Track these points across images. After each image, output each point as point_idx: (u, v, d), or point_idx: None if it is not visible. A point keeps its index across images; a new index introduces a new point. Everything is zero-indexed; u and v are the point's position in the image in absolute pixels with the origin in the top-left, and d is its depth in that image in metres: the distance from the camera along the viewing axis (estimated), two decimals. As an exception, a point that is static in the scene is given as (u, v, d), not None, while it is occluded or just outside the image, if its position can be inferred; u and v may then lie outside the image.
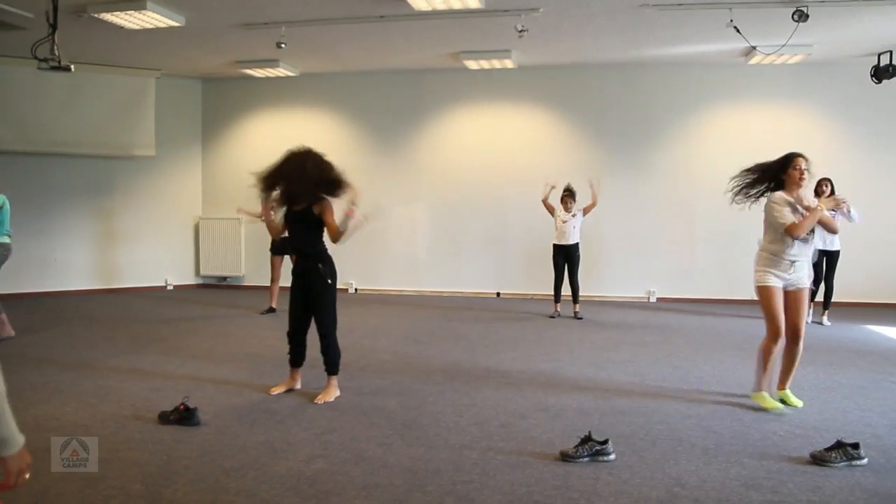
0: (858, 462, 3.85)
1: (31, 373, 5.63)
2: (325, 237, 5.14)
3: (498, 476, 3.73)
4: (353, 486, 3.58)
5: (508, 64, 9.50)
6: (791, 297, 4.90)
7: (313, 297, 5.07)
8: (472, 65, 9.59)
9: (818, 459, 3.90)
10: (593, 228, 9.81)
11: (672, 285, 10.24)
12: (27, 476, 1.73)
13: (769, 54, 8.37)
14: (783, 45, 7.88)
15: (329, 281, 5.07)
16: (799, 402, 4.97)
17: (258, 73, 10.16)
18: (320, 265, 5.05)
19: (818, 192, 7.64)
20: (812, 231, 4.83)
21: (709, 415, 4.83)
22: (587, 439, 3.96)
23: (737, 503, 3.40)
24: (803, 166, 4.84)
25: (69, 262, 10.48)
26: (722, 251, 9.90)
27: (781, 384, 5.05)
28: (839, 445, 3.91)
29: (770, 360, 4.92)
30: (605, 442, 3.97)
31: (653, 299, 10.25)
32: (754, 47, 8.15)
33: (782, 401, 4.97)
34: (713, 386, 5.59)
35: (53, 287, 10.18)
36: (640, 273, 10.32)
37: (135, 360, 6.31)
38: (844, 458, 3.86)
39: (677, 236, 10.20)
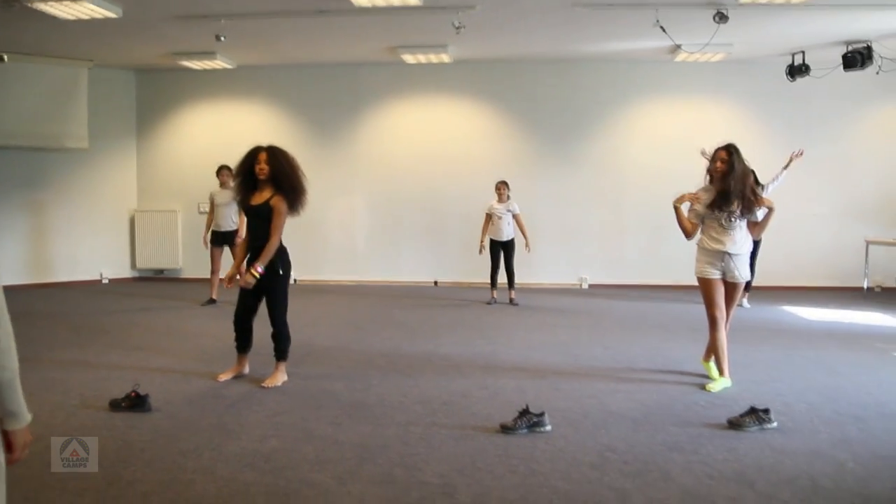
0: (769, 425, 4.24)
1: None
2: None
3: (443, 448, 3.98)
4: (306, 461, 3.78)
5: (445, 58, 9.73)
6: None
7: (266, 286, 5.20)
8: (409, 59, 9.78)
9: (734, 424, 4.28)
10: (527, 217, 10.16)
11: (603, 272, 10.67)
12: (27, 452, 1.86)
13: (693, 52, 8.82)
14: (706, 45, 8.33)
15: (280, 272, 5.22)
16: (715, 375, 5.34)
17: (195, 65, 10.13)
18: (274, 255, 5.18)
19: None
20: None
21: (637, 389, 5.18)
22: (525, 412, 4.24)
23: (662, 464, 3.73)
24: (709, 155, 5.20)
25: (1, 257, 10.27)
26: (650, 239, 10.36)
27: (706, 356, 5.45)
28: (752, 411, 4.30)
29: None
30: (542, 414, 4.26)
31: (585, 286, 10.66)
32: (679, 46, 8.59)
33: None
34: (641, 363, 5.96)
35: (-17, 282, 9.97)
36: (572, 260, 10.71)
37: (77, 352, 6.33)
38: (757, 423, 4.25)
39: (607, 225, 10.63)
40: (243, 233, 7.69)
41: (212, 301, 8.93)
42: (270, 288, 5.23)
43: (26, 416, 1.82)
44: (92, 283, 10.97)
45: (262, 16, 7.67)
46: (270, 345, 5.38)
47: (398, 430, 4.30)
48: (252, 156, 5.17)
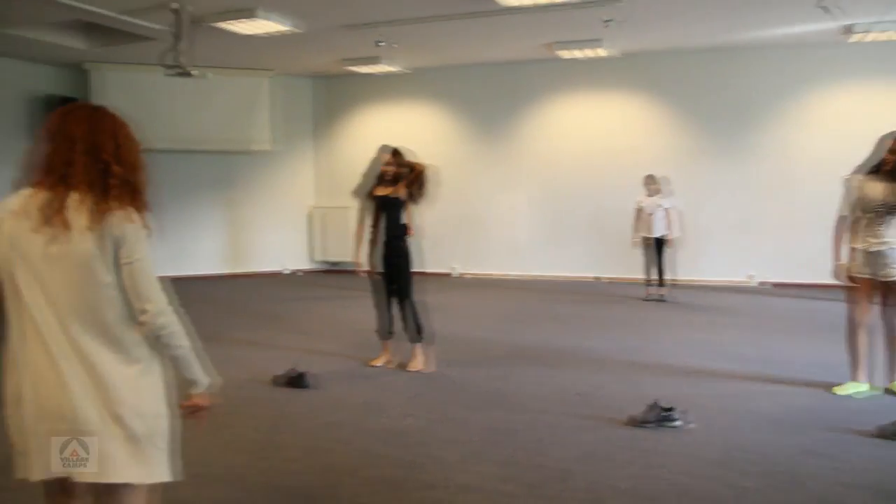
0: (923, 436, 3.96)
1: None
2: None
3: (568, 437, 4.09)
4: (437, 440, 4.04)
5: (601, 52, 9.67)
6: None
7: (397, 272, 5.61)
8: (565, 54, 9.83)
9: (882, 433, 4.01)
10: (691, 213, 9.91)
11: (773, 269, 10.14)
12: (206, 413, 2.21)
13: (869, 32, 8.19)
14: (881, 22, 7.70)
15: (410, 257, 5.63)
16: None
17: (362, 69, 10.76)
18: (402, 243, 5.63)
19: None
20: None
21: (783, 392, 4.98)
22: (654, 406, 4.25)
23: (792, 467, 3.62)
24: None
25: (199, 249, 11.42)
26: (826, 235, 9.68)
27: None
28: (908, 420, 4.04)
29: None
30: (671, 409, 4.24)
31: (754, 283, 10.20)
32: (848, 26, 8.00)
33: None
34: (797, 366, 5.66)
35: (186, 272, 11.14)
36: (741, 257, 10.27)
37: (252, 334, 7.01)
38: (915, 432, 3.98)
39: (780, 220, 10.08)
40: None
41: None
42: (404, 272, 5.62)
43: (204, 382, 2.16)
44: (275, 275, 11.95)
45: (420, 21, 8.04)
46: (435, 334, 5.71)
47: (528, 417, 4.45)
48: (378, 156, 5.65)
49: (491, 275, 11.35)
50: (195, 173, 11.31)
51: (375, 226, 5.69)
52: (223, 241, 11.83)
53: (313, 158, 12.41)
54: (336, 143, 12.27)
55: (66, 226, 1.93)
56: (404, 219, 5.67)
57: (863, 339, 4.90)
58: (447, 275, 11.25)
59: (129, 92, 10.18)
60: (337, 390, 5.08)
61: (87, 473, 1.99)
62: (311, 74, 11.89)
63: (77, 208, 1.95)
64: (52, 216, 1.94)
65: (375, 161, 5.67)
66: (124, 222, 1.97)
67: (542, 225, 11.26)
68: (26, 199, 1.99)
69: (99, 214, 1.95)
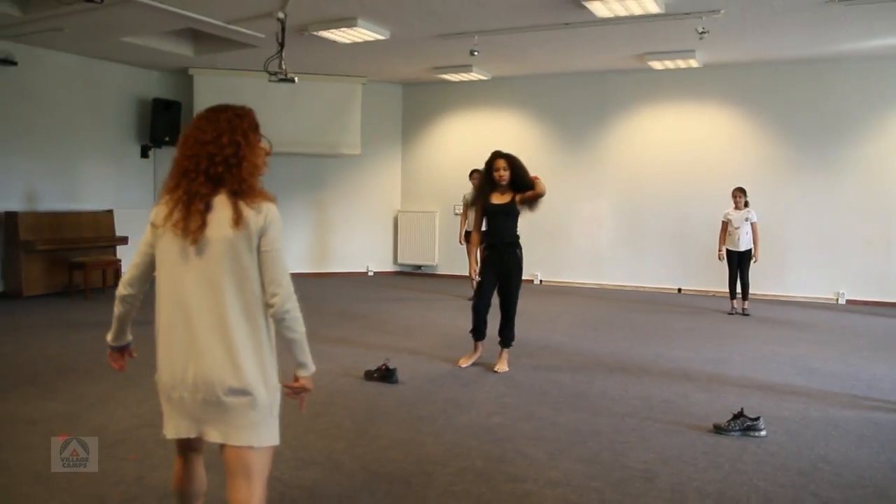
0: None
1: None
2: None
3: (652, 440, 4.19)
4: (523, 436, 4.21)
5: (693, 63, 9.66)
6: None
7: (510, 279, 5.74)
8: (656, 65, 9.85)
9: (977, 451, 3.99)
10: (778, 227, 9.79)
11: (863, 287, 9.89)
12: (307, 395, 2.45)
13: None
14: None
15: (523, 267, 5.78)
16: None
17: (453, 77, 11.01)
18: (518, 251, 5.75)
19: None
20: None
21: (872, 408, 4.95)
22: (739, 415, 4.31)
23: (879, 481, 3.64)
24: None
25: (289, 248, 11.85)
26: (921, 254, 9.45)
27: None
28: None
29: None
30: (757, 419, 4.30)
31: (842, 301, 9.97)
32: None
33: None
34: (886, 387, 5.57)
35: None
36: (828, 273, 10.06)
37: (341, 331, 7.31)
38: None
39: (871, 236, 9.83)
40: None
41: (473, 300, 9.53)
42: (515, 280, 5.74)
43: (311, 368, 2.41)
44: (359, 275, 12.32)
45: (513, 31, 8.22)
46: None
47: (613, 419, 4.57)
48: (491, 161, 5.71)
49: (573, 283, 11.42)
50: (288, 175, 11.76)
51: (489, 232, 5.83)
52: (311, 240, 12.26)
53: (400, 163, 12.74)
54: (422, 149, 12.57)
55: (206, 222, 2.21)
56: (518, 227, 5.83)
57: None
58: (529, 281, 11.37)
59: (230, 96, 10.40)
60: (426, 387, 5.30)
61: (216, 435, 2.25)
62: (402, 81, 12.23)
63: (222, 205, 2.22)
64: (196, 213, 2.22)
65: (487, 167, 5.79)
66: (269, 213, 2.25)
67: (624, 235, 11.27)
68: (175, 200, 2.27)
69: (241, 208, 2.22)
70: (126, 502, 3.27)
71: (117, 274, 9.67)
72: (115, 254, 10.04)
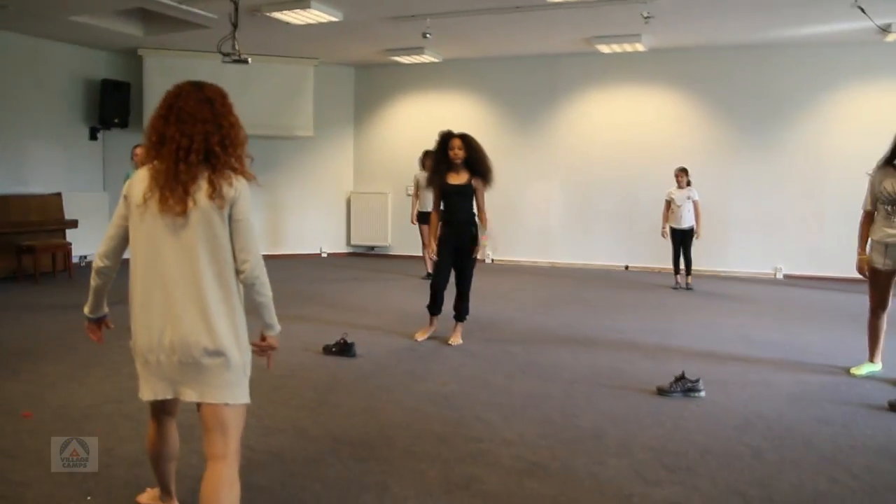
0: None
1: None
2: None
3: (600, 402, 4.45)
4: (479, 402, 4.43)
5: (639, 47, 9.93)
6: None
7: (465, 256, 5.91)
8: (604, 49, 10.10)
9: (893, 406, 4.33)
10: (720, 205, 10.18)
11: (799, 262, 10.37)
12: (274, 353, 2.64)
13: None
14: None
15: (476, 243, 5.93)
16: None
17: (405, 60, 11.11)
18: (473, 228, 5.90)
19: None
20: None
21: (804, 371, 5.29)
22: (681, 377, 4.59)
23: (807, 433, 3.96)
24: None
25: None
26: (853, 230, 9.86)
27: None
28: (915, 395, 4.35)
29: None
30: (697, 380, 4.59)
31: (780, 276, 10.43)
32: (883, 27, 8.20)
33: None
34: (817, 350, 5.96)
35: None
36: (767, 249, 10.51)
37: (299, 309, 7.43)
38: (920, 406, 4.29)
39: (807, 213, 10.30)
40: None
41: (430, 275, 9.65)
42: (470, 258, 5.93)
43: (277, 328, 2.60)
44: (313, 257, 12.39)
45: (465, 13, 8.37)
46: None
47: (564, 385, 4.82)
48: (446, 141, 5.85)
49: (523, 262, 11.69)
50: (240, 157, 11.73)
51: (446, 211, 5.96)
52: (264, 222, 12.26)
53: (352, 145, 12.81)
54: (375, 131, 12.66)
55: (189, 192, 2.34)
56: (474, 206, 5.98)
57: (882, 324, 5.18)
58: (481, 261, 11.58)
59: (182, 77, 10.25)
60: (383, 360, 5.47)
61: (192, 394, 2.39)
62: (354, 63, 12.28)
63: (199, 175, 2.35)
64: (177, 187, 2.34)
65: (438, 144, 5.93)
66: (239, 186, 2.39)
67: (574, 214, 11.56)
68: (152, 171, 2.39)
69: (218, 181, 2.35)
70: (97, 472, 3.36)
71: (67, 257, 9.59)
72: (64, 237, 9.93)
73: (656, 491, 3.22)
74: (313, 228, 12.53)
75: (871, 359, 5.23)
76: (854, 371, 5.19)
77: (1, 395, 4.50)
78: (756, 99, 10.43)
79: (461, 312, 6.04)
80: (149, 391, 2.46)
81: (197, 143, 2.35)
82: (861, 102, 10.00)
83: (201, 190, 2.34)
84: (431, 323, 6.22)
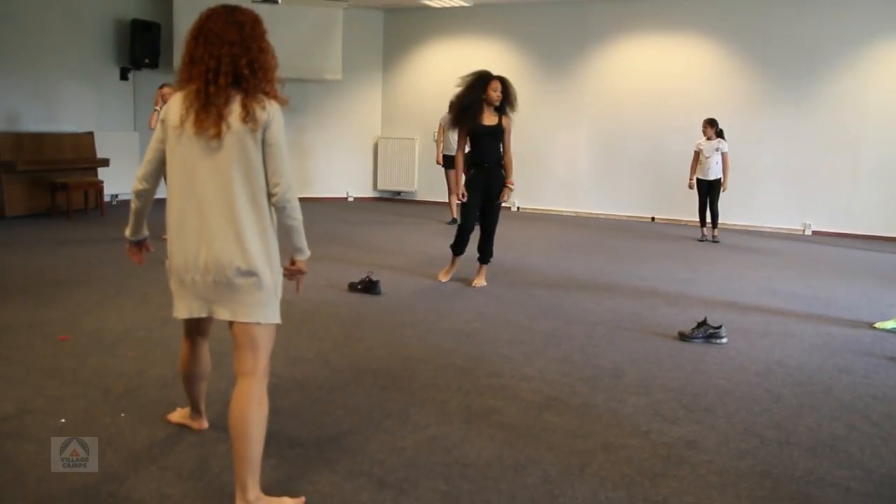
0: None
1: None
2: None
3: (621, 344, 4.49)
4: (501, 339, 4.49)
5: (674, -7, 9.73)
6: None
7: (494, 199, 5.88)
8: (638, -6, 9.91)
9: (917, 357, 4.34)
10: (750, 159, 10.05)
11: (830, 220, 10.23)
12: (305, 277, 2.72)
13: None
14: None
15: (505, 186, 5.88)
16: None
17: (435, 3, 10.98)
18: (503, 171, 5.87)
19: None
20: None
21: (828, 323, 5.28)
22: (703, 323, 4.61)
23: (827, 381, 3.97)
24: None
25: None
26: (887, 188, 9.74)
27: None
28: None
29: None
30: (720, 327, 4.60)
31: (808, 232, 10.32)
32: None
33: None
34: (843, 306, 5.91)
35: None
36: (797, 205, 10.38)
37: (325, 248, 7.50)
38: (942, 358, 4.28)
39: (839, 171, 10.12)
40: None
41: (455, 221, 9.48)
42: (498, 202, 5.91)
43: (307, 252, 2.66)
44: (339, 200, 12.46)
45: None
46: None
47: (585, 327, 4.86)
48: (485, 81, 5.77)
49: (549, 210, 11.67)
50: (268, 99, 11.75)
51: (477, 153, 5.87)
52: (291, 165, 12.28)
53: (381, 90, 12.76)
54: (403, 76, 12.59)
55: (223, 116, 2.37)
56: (502, 149, 5.92)
57: None
58: (507, 208, 11.58)
59: None
60: (407, 298, 5.55)
61: (225, 313, 2.45)
62: (383, 7, 12.16)
63: (231, 99, 2.37)
64: (211, 108, 2.37)
65: (475, 83, 5.79)
66: (272, 110, 2.42)
67: (601, 164, 11.48)
68: (187, 95, 2.42)
69: (250, 104, 2.38)
70: (129, 391, 3.49)
71: (99, 196, 9.73)
72: (96, 175, 10.06)
73: (674, 428, 3.27)
74: (340, 172, 12.58)
75: None
76: (878, 325, 5.17)
77: (39, 320, 4.64)
78: (791, 51, 10.19)
79: (486, 254, 6.07)
80: (184, 309, 2.53)
81: (225, 65, 2.36)
82: (900, 57, 9.73)
83: (234, 113, 2.37)
84: (453, 263, 6.23)
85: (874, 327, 5.16)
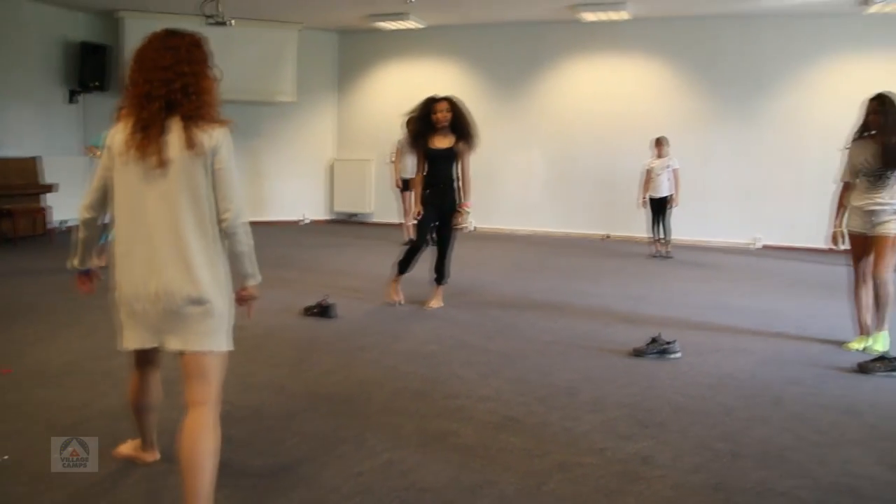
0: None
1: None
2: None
3: (576, 362, 4.53)
4: (457, 360, 4.49)
5: (624, 15, 9.93)
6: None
7: (447, 220, 5.92)
8: (588, 17, 10.08)
9: (863, 368, 4.44)
10: (700, 175, 10.25)
11: (778, 233, 10.48)
12: (255, 303, 2.69)
13: (889, 2, 8.40)
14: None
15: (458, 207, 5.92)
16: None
17: (390, 25, 11.03)
18: (457, 193, 5.90)
19: None
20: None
21: (777, 336, 5.38)
22: (656, 339, 4.68)
23: (777, 392, 4.05)
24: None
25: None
26: (832, 201, 9.97)
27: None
28: (882, 358, 4.46)
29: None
30: (672, 342, 4.67)
31: (758, 246, 10.54)
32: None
33: None
34: (791, 317, 6.05)
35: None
36: (746, 220, 10.61)
37: (280, 272, 7.44)
38: (885, 369, 4.39)
39: (785, 185, 10.39)
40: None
41: (410, 241, 9.60)
42: (452, 223, 5.93)
43: (258, 277, 2.63)
44: (294, 223, 12.37)
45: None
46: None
47: (540, 346, 4.89)
48: (429, 105, 5.82)
49: (504, 229, 11.74)
50: (221, 122, 11.65)
51: (431, 174, 5.92)
52: (245, 189, 12.14)
53: (336, 112, 12.75)
54: (357, 98, 12.60)
55: (162, 144, 2.34)
56: (457, 171, 5.94)
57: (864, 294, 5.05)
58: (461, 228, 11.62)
59: None
60: (363, 321, 5.52)
61: (175, 342, 2.41)
62: (337, 29, 12.18)
63: (177, 129, 2.35)
64: (155, 136, 2.34)
65: (422, 109, 5.85)
66: (218, 135, 2.39)
67: (554, 183, 11.61)
68: (127, 122, 2.39)
69: (191, 131, 2.35)
70: (77, 424, 3.39)
71: (45, 222, 9.51)
72: (42, 201, 9.83)
73: (629, 444, 3.30)
74: (295, 195, 12.50)
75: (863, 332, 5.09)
76: (847, 346, 5.03)
77: (-20, 352, 4.51)
78: (737, 69, 10.47)
79: (441, 275, 6.07)
80: (134, 340, 2.48)
81: (156, 90, 2.34)
82: (841, 74, 10.04)
83: (176, 140, 2.34)
84: (396, 282, 6.16)
85: (845, 347, 5.01)
